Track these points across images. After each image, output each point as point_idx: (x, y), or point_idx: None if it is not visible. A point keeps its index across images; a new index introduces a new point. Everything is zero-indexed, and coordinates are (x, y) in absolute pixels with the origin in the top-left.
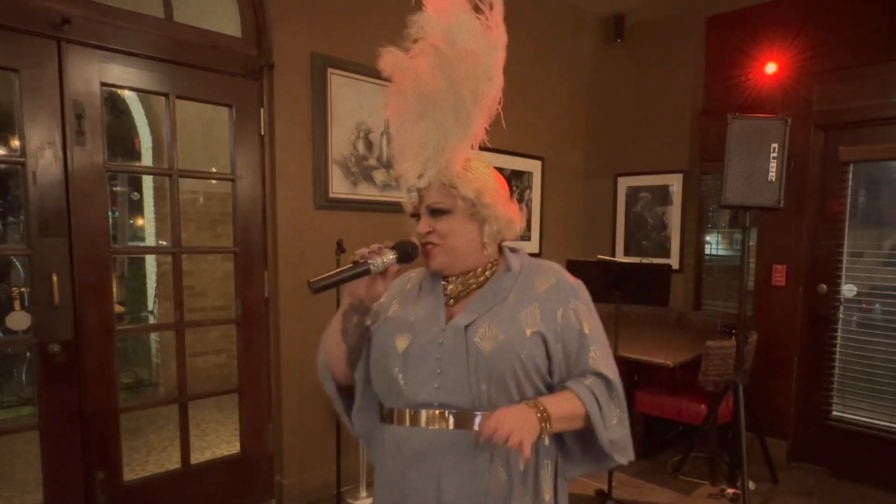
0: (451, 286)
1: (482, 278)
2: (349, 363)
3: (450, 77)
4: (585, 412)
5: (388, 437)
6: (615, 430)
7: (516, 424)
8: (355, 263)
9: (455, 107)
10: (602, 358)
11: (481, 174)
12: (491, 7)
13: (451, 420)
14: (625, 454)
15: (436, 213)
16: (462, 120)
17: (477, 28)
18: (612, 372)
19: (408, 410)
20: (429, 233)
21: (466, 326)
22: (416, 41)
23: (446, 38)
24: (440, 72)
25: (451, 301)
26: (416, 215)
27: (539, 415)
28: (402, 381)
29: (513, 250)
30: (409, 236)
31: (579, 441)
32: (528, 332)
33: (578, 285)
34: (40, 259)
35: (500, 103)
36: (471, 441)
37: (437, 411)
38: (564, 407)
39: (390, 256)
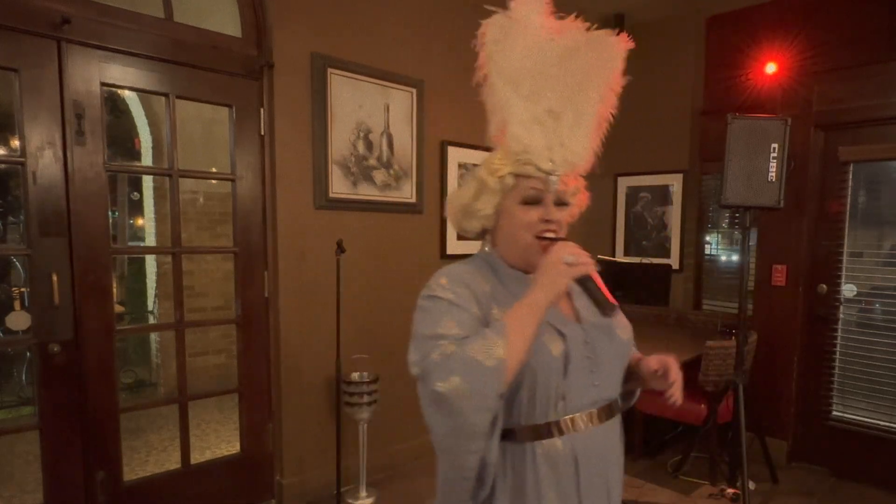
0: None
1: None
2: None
3: (574, 76)
4: None
5: (545, 451)
6: None
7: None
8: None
9: (580, 106)
10: None
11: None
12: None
13: (604, 414)
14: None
15: (560, 204)
16: (589, 123)
17: (607, 53)
18: None
19: (569, 418)
20: (552, 221)
21: (604, 326)
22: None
23: (570, 38)
24: (566, 65)
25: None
26: (534, 202)
27: None
28: (563, 389)
29: None
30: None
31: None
32: None
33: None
34: (40, 259)
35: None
36: (618, 428)
37: (594, 410)
38: None
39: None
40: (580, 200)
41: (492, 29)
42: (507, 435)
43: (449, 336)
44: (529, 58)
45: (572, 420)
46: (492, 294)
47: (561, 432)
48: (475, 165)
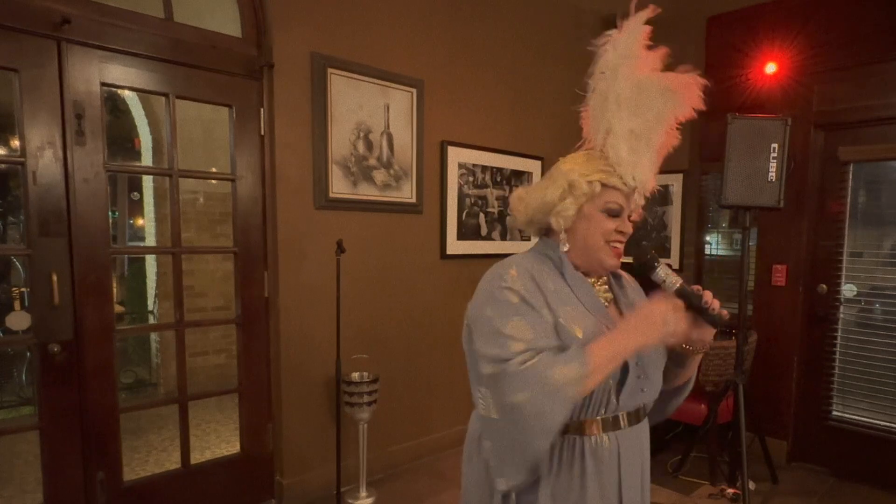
0: (599, 286)
1: (604, 279)
2: None
3: (660, 109)
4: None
5: (593, 447)
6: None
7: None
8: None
9: (655, 136)
10: None
11: None
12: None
13: (642, 413)
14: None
15: (632, 219)
16: (658, 150)
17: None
18: None
19: (614, 416)
20: (624, 234)
21: None
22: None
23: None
24: (657, 98)
25: (606, 304)
26: (615, 213)
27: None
28: (615, 395)
29: None
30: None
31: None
32: None
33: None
34: (40, 259)
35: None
36: (647, 427)
37: (633, 410)
38: None
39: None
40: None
41: (610, 52)
42: (581, 429)
43: (526, 340)
44: (634, 81)
45: (616, 418)
46: (557, 292)
47: (608, 429)
48: (475, 165)
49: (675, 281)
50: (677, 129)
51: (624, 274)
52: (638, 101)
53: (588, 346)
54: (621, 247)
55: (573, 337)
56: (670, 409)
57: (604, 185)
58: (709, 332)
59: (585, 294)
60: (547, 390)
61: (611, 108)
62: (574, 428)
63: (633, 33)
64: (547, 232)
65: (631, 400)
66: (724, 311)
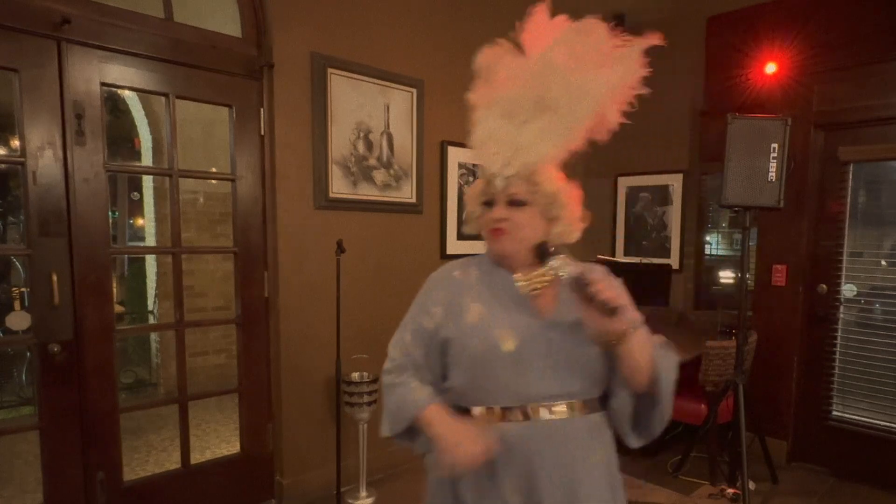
0: (522, 282)
1: (547, 277)
2: None
3: (560, 89)
4: (652, 353)
5: (504, 434)
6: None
7: (625, 302)
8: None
9: (562, 113)
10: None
11: (560, 177)
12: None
13: (569, 408)
14: (664, 420)
15: (514, 203)
16: (565, 127)
17: (597, 55)
18: (662, 340)
19: (528, 407)
20: (502, 220)
21: (570, 325)
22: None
23: (565, 55)
24: (550, 80)
25: (535, 291)
26: (489, 203)
27: (635, 324)
28: (515, 380)
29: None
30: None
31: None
32: None
33: (619, 281)
34: (40, 259)
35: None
36: (592, 421)
37: (560, 403)
38: (647, 338)
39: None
40: (566, 199)
41: (484, 62)
42: (468, 414)
43: (401, 355)
44: (510, 78)
45: (525, 409)
46: (472, 285)
47: (517, 418)
48: (475, 165)
49: (570, 271)
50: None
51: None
52: (515, 99)
53: (420, 408)
54: (501, 233)
55: (468, 325)
56: (655, 422)
57: (484, 183)
58: (614, 322)
59: (502, 287)
60: (390, 410)
61: (477, 113)
62: (483, 416)
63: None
64: None
65: (541, 388)
66: (611, 296)
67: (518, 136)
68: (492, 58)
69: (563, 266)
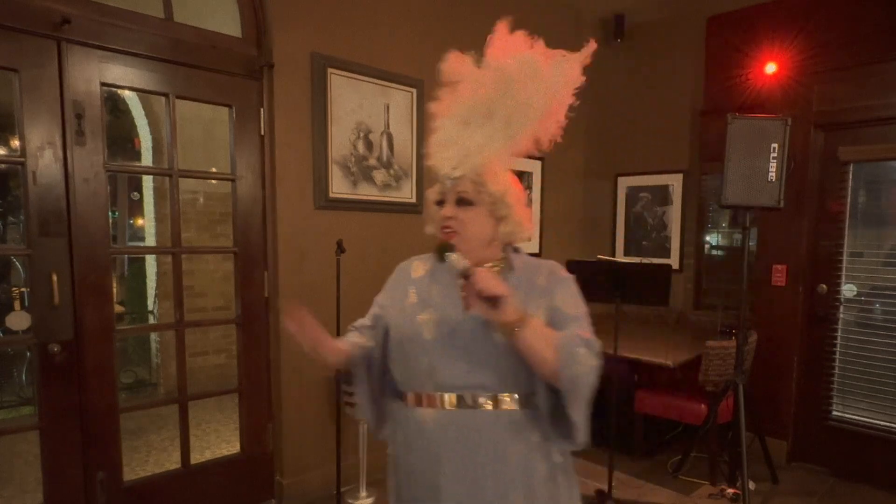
0: (455, 255)
1: (496, 269)
2: None
3: (510, 99)
4: (556, 344)
5: (413, 418)
6: (585, 380)
7: (504, 293)
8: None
9: (509, 123)
10: (583, 329)
11: (508, 180)
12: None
13: (484, 399)
14: (580, 428)
15: (462, 202)
16: (511, 134)
17: (543, 70)
18: (589, 334)
19: (442, 395)
20: (450, 218)
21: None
22: (482, 58)
23: (517, 68)
24: (502, 90)
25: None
26: (440, 202)
27: (524, 315)
28: (432, 368)
29: (515, 250)
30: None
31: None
32: None
33: (569, 278)
34: (40, 259)
35: (552, 140)
36: (502, 416)
37: (473, 393)
38: (545, 330)
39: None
40: (512, 200)
41: (453, 71)
42: (400, 397)
43: (366, 316)
44: (469, 88)
45: (443, 397)
46: (412, 280)
47: (433, 405)
48: None
49: (461, 265)
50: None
51: (521, 261)
52: (472, 98)
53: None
54: (450, 232)
55: (402, 309)
56: (571, 425)
57: (438, 185)
58: (498, 312)
59: (442, 280)
60: None
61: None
62: (409, 399)
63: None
64: None
65: (454, 378)
66: (485, 287)
67: (468, 140)
68: (455, 70)
69: (457, 260)
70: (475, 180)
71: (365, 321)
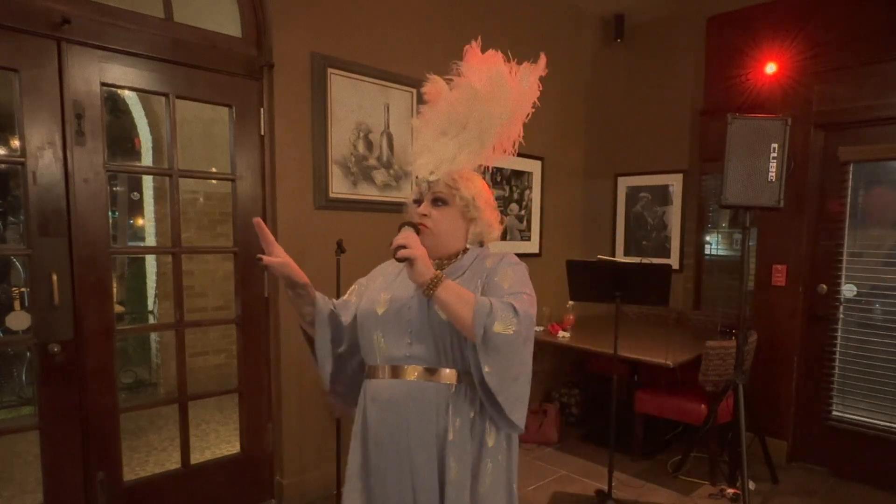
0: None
1: (447, 263)
2: None
3: (480, 111)
4: (473, 302)
5: (367, 389)
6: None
7: (420, 255)
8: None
9: (479, 133)
10: (512, 297)
11: (479, 185)
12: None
13: (421, 372)
14: (518, 403)
15: (436, 201)
16: (482, 142)
17: (508, 83)
18: (518, 304)
19: (387, 366)
20: (425, 215)
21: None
22: (457, 75)
23: (486, 84)
24: (473, 105)
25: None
26: (418, 201)
27: (437, 274)
28: (381, 341)
29: (481, 245)
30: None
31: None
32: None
33: (518, 263)
34: (40, 259)
35: (515, 144)
36: (437, 389)
37: (412, 366)
38: (460, 289)
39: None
40: (482, 204)
41: (430, 92)
42: (366, 371)
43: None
44: (447, 103)
45: (391, 368)
46: (385, 273)
47: (381, 376)
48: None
49: (398, 239)
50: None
51: (481, 253)
52: (450, 118)
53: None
54: (424, 229)
55: (368, 291)
56: (489, 378)
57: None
58: (412, 270)
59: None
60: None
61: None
62: (369, 371)
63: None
64: None
65: (398, 350)
66: (396, 243)
67: (443, 148)
68: (433, 91)
69: (406, 229)
70: (449, 183)
71: (342, 299)
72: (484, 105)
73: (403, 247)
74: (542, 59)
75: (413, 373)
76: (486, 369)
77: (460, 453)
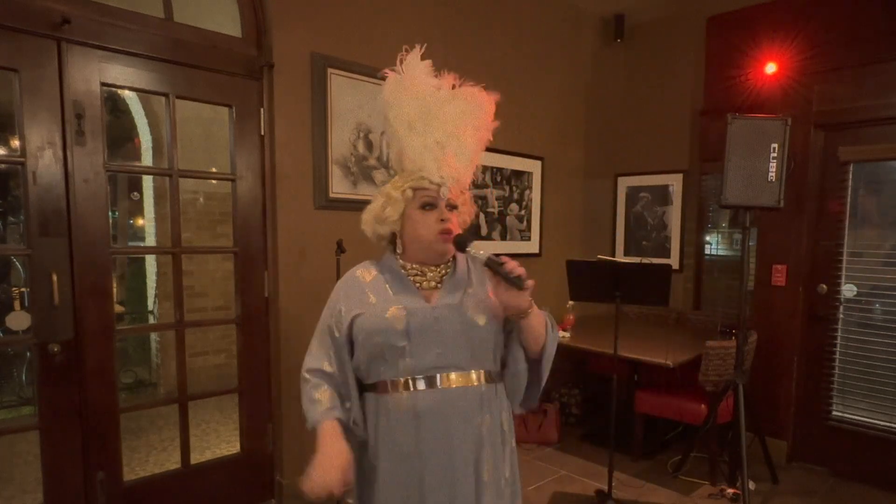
0: (422, 278)
1: (443, 270)
2: None
3: (471, 121)
4: (545, 323)
5: (393, 403)
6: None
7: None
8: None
9: (476, 137)
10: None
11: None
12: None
13: (456, 378)
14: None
15: (451, 207)
16: (473, 154)
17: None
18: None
19: (417, 378)
20: (447, 220)
21: (453, 306)
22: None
23: (466, 98)
24: (466, 114)
25: (418, 286)
26: (430, 205)
27: (531, 300)
28: (406, 354)
29: None
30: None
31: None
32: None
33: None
34: (40, 259)
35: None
36: (473, 392)
37: (445, 373)
38: (539, 311)
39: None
40: (469, 210)
41: (388, 86)
42: (371, 388)
43: (309, 360)
44: (419, 104)
45: (426, 379)
46: (366, 285)
47: (407, 389)
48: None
49: (484, 254)
50: (484, 128)
51: (466, 260)
52: (428, 120)
53: (316, 422)
54: (450, 234)
55: (367, 307)
56: (537, 390)
57: (416, 189)
58: (519, 296)
59: (398, 285)
60: (304, 403)
61: (400, 134)
62: (382, 387)
63: (411, 66)
64: (392, 241)
65: (426, 361)
66: (521, 271)
67: (443, 154)
68: (398, 81)
69: (479, 250)
70: (463, 187)
71: (323, 366)
72: (455, 111)
73: (518, 274)
74: (492, 98)
75: (447, 380)
76: (544, 376)
77: (492, 450)
